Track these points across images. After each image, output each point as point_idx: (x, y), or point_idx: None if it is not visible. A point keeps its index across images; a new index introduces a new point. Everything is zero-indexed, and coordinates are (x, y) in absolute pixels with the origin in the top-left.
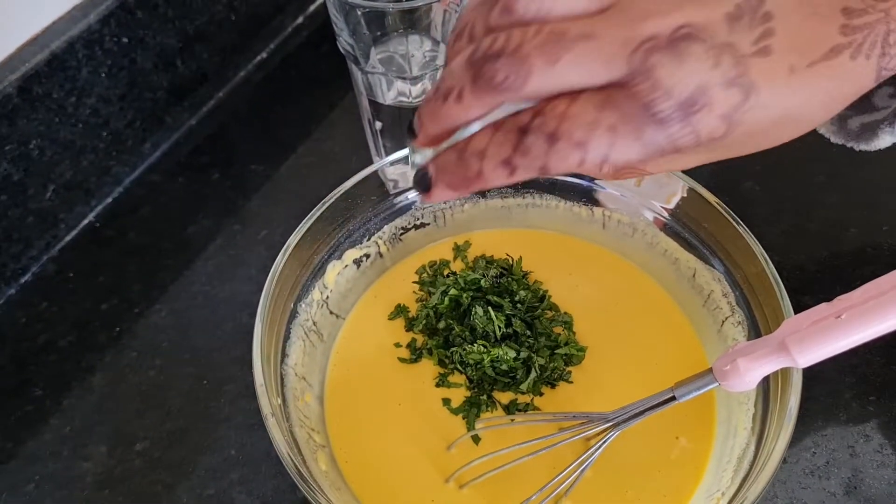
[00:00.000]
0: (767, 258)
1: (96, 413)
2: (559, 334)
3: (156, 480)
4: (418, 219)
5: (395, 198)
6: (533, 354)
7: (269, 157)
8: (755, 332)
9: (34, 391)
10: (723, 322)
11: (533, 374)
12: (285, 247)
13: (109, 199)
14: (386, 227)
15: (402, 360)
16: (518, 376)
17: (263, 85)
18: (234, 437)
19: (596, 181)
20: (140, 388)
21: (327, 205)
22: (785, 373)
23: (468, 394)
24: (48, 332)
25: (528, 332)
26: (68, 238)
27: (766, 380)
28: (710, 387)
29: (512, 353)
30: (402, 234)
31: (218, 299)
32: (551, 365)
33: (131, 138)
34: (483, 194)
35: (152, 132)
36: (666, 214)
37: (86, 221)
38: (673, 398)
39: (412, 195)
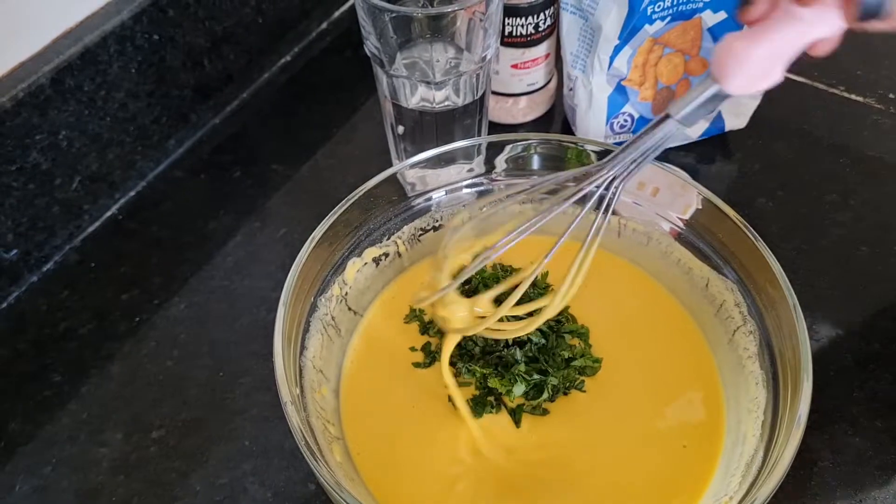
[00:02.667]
0: (780, 268)
1: (114, 400)
2: (575, 346)
3: (170, 468)
4: (437, 220)
5: (413, 200)
6: (548, 377)
7: (290, 157)
8: (766, 341)
9: (53, 377)
10: (734, 332)
11: (545, 395)
12: (310, 239)
13: (133, 193)
14: (406, 228)
15: (416, 364)
16: (530, 395)
17: (287, 87)
18: (248, 429)
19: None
20: (157, 377)
21: (351, 202)
22: (795, 380)
23: (476, 392)
24: (69, 320)
25: (545, 342)
26: (91, 229)
27: (776, 388)
28: (710, 90)
29: (522, 388)
30: (420, 234)
31: (236, 294)
32: (565, 380)
33: (157, 134)
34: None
35: (177, 129)
36: (681, 224)
37: (109, 213)
38: (667, 116)
39: (435, 196)
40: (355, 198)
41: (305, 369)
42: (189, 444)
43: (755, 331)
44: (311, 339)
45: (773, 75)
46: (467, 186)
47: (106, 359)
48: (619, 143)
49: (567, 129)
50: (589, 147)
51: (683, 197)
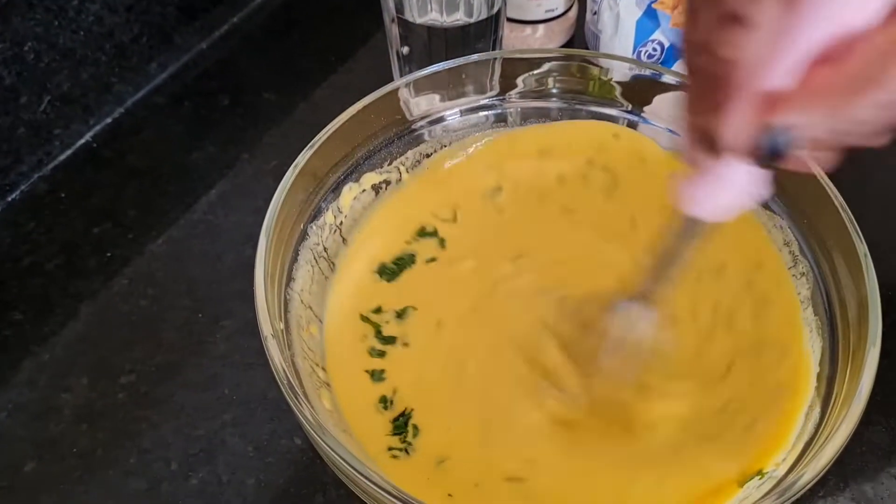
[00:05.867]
0: (841, 200)
1: (80, 342)
2: None
3: (140, 417)
4: (445, 145)
5: (419, 122)
6: None
7: (283, 86)
8: (822, 284)
9: (14, 315)
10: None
11: None
12: (300, 157)
13: (109, 119)
14: (409, 153)
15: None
16: None
17: (281, 12)
18: (228, 376)
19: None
20: (129, 318)
21: (348, 117)
22: (858, 344)
23: None
24: (34, 254)
25: None
26: (62, 157)
27: (833, 339)
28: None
29: None
30: (425, 161)
31: (220, 230)
32: None
33: (136, 55)
34: None
35: (159, 51)
36: None
37: (83, 141)
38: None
39: (444, 117)
40: (352, 113)
41: (292, 303)
42: (162, 392)
43: (808, 272)
44: (300, 269)
45: (750, 198)
46: (479, 109)
47: (73, 297)
48: (641, 75)
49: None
50: (615, 67)
51: None
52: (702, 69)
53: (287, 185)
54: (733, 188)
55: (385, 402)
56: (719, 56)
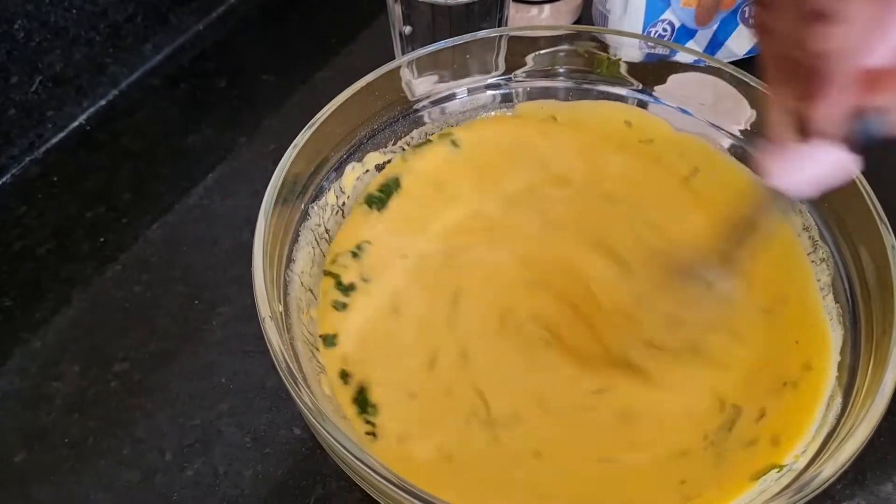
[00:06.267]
0: (866, 184)
1: (72, 329)
2: None
3: (134, 405)
4: (452, 124)
5: (424, 101)
6: None
7: (282, 68)
8: (844, 271)
9: (3, 301)
10: None
11: None
12: (301, 134)
13: (103, 102)
14: (415, 133)
15: None
16: None
17: None
18: (225, 364)
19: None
20: (123, 304)
21: (351, 93)
22: (883, 334)
23: None
24: (25, 239)
25: None
26: (55, 140)
27: (855, 327)
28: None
29: None
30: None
31: (216, 214)
32: None
33: (131, 35)
34: None
35: (155, 31)
36: (739, 135)
37: (76, 123)
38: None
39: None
40: (353, 91)
41: (292, 285)
42: (156, 380)
43: (829, 257)
44: (301, 251)
45: (839, 174)
46: (486, 88)
47: (65, 282)
48: (655, 55)
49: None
50: (625, 45)
51: (740, 106)
52: (785, 58)
53: (287, 164)
54: (821, 165)
55: (344, 376)
56: (808, 49)
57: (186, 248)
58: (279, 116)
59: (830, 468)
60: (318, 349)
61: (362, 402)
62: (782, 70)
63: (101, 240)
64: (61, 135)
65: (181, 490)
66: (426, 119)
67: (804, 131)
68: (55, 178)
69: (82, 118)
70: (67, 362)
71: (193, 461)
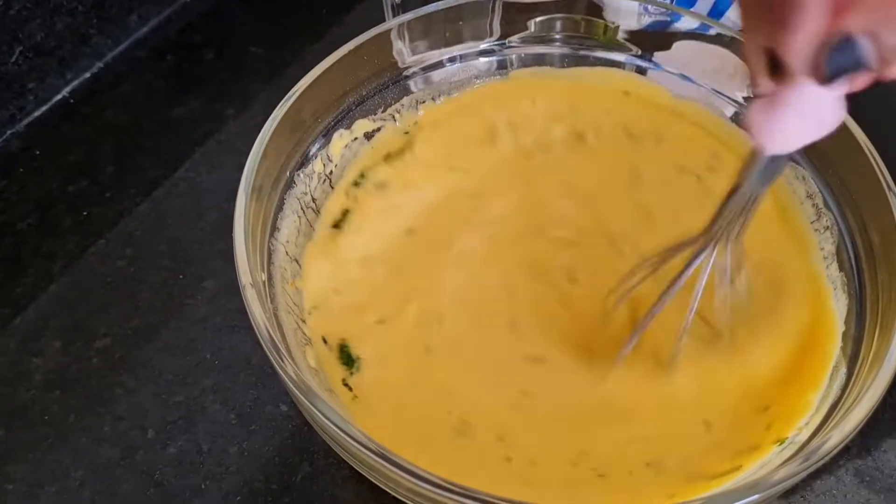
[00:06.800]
0: (872, 149)
1: (52, 304)
2: None
3: (116, 382)
4: (442, 93)
5: (415, 67)
6: None
7: (271, 40)
8: (849, 240)
9: None
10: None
11: None
12: (285, 99)
13: (87, 74)
14: (405, 100)
15: None
16: None
17: None
18: (210, 340)
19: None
20: (105, 279)
21: (331, 63)
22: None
23: None
24: (6, 213)
25: None
26: (37, 113)
27: (861, 296)
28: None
29: None
30: (421, 108)
31: (202, 188)
32: None
33: (115, 6)
34: None
35: (140, 2)
36: (742, 102)
37: (59, 96)
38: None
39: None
40: (338, 57)
41: (276, 254)
42: (139, 356)
43: (832, 226)
44: (285, 219)
45: (825, 126)
46: (479, 55)
47: (46, 257)
48: (655, 23)
49: (593, 10)
50: (623, 11)
51: (742, 73)
52: None
53: (270, 130)
54: (806, 115)
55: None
56: None
57: (171, 221)
58: (268, 89)
59: (836, 437)
60: (303, 321)
61: (346, 358)
62: (754, 4)
63: (84, 213)
64: (44, 108)
65: (164, 468)
66: (419, 85)
67: (779, 70)
68: (37, 152)
69: (66, 91)
70: (48, 338)
71: (177, 438)
